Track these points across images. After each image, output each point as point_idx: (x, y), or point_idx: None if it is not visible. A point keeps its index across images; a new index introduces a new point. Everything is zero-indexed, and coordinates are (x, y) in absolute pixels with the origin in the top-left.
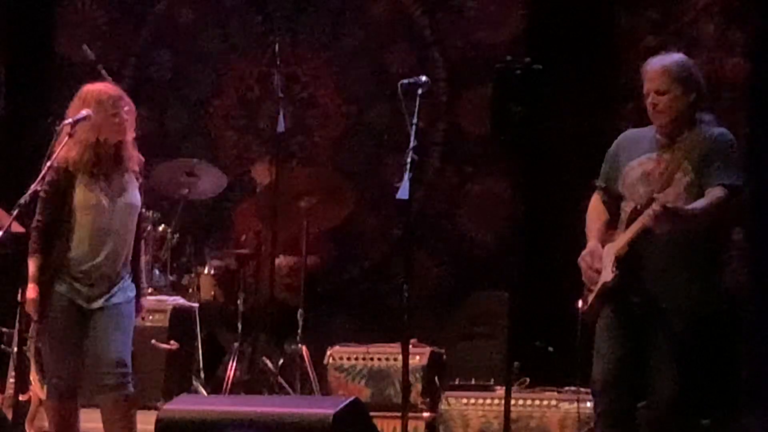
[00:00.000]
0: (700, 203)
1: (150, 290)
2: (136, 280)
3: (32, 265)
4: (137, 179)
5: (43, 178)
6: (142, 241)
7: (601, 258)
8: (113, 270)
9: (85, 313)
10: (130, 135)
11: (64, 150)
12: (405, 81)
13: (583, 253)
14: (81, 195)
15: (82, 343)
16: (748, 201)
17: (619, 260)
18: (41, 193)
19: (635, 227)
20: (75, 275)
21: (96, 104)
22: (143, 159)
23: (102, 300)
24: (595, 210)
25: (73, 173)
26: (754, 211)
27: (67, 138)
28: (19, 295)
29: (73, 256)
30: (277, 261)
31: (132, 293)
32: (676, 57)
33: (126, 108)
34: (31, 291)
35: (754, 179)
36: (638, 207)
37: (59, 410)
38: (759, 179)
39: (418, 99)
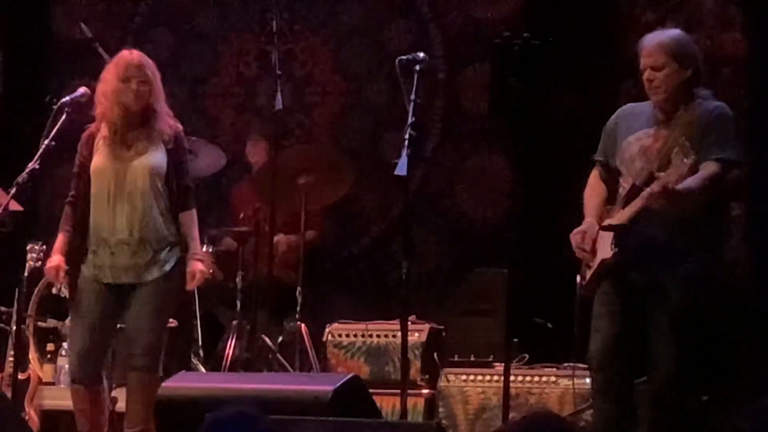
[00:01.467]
0: (693, 180)
1: None
2: (182, 245)
3: (59, 240)
4: (167, 145)
5: (41, 156)
6: (191, 211)
7: (593, 238)
8: (135, 236)
9: (115, 293)
10: (161, 107)
11: (100, 109)
12: (403, 58)
13: (576, 229)
14: (95, 161)
15: (110, 328)
16: (748, 176)
17: (618, 237)
18: (75, 168)
19: (634, 206)
20: (96, 247)
21: (114, 67)
22: (180, 128)
23: (132, 275)
24: (593, 187)
25: (93, 140)
26: (754, 187)
27: (64, 116)
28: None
29: (92, 225)
30: (275, 239)
31: (170, 265)
32: (671, 32)
33: (142, 78)
34: (55, 259)
35: (754, 155)
36: (637, 184)
37: (76, 394)
38: (758, 155)
39: (416, 76)
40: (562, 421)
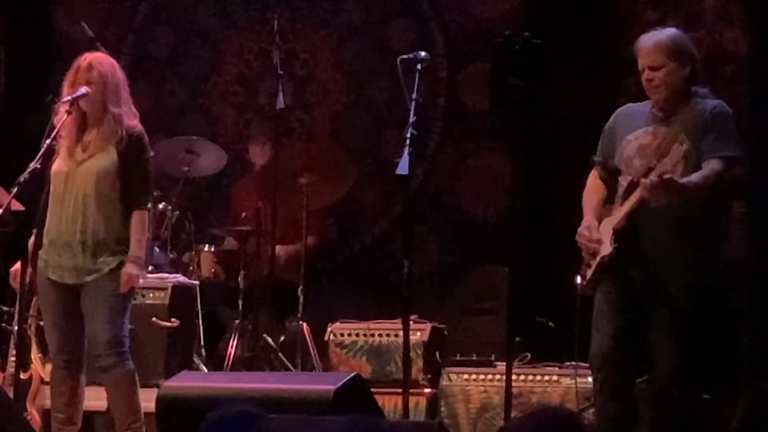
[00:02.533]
0: (696, 176)
1: (150, 267)
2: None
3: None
4: (118, 147)
5: (43, 155)
6: (139, 212)
7: (598, 230)
8: (76, 240)
9: (65, 289)
10: (115, 109)
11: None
12: (404, 56)
13: (580, 228)
14: (55, 163)
15: (69, 318)
16: (748, 174)
17: (617, 234)
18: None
19: (633, 200)
20: (51, 247)
21: (95, 77)
22: (138, 130)
23: (74, 276)
24: (592, 186)
25: (57, 148)
26: (755, 184)
27: (66, 116)
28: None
29: (47, 227)
30: (277, 249)
31: (109, 267)
32: (668, 31)
33: (91, 81)
34: (17, 263)
35: (755, 153)
36: (635, 179)
37: (56, 379)
38: (759, 152)
39: (417, 74)
40: (573, 416)
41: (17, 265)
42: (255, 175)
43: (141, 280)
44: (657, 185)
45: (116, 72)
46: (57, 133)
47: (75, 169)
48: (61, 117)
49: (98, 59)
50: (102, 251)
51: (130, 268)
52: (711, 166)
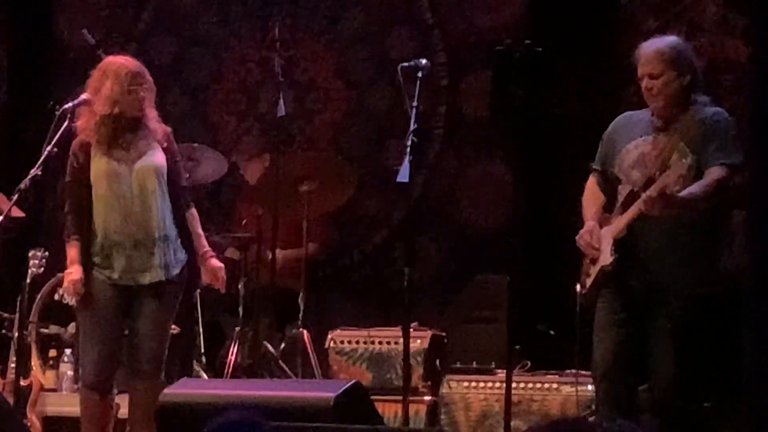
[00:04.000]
0: (697, 186)
1: None
2: (187, 244)
3: (72, 250)
4: (162, 144)
5: (44, 162)
6: (191, 210)
7: (599, 234)
8: (147, 237)
9: (124, 293)
10: (151, 111)
11: (82, 121)
12: (405, 64)
13: (581, 232)
14: (97, 166)
15: (121, 333)
16: (749, 183)
17: (617, 243)
18: (66, 178)
19: (633, 211)
20: (109, 251)
21: (114, 77)
22: (169, 129)
23: (148, 275)
24: (591, 193)
25: (89, 147)
26: (755, 193)
27: (67, 122)
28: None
29: (98, 230)
30: (277, 254)
31: (176, 269)
32: (668, 40)
33: (145, 85)
34: (75, 272)
35: (756, 162)
36: (635, 190)
37: (90, 401)
38: (760, 162)
39: (418, 82)
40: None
41: (78, 274)
42: (256, 183)
43: None
44: (657, 200)
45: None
46: (58, 140)
47: (129, 168)
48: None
49: (141, 66)
50: (170, 249)
51: (215, 261)
52: (712, 174)
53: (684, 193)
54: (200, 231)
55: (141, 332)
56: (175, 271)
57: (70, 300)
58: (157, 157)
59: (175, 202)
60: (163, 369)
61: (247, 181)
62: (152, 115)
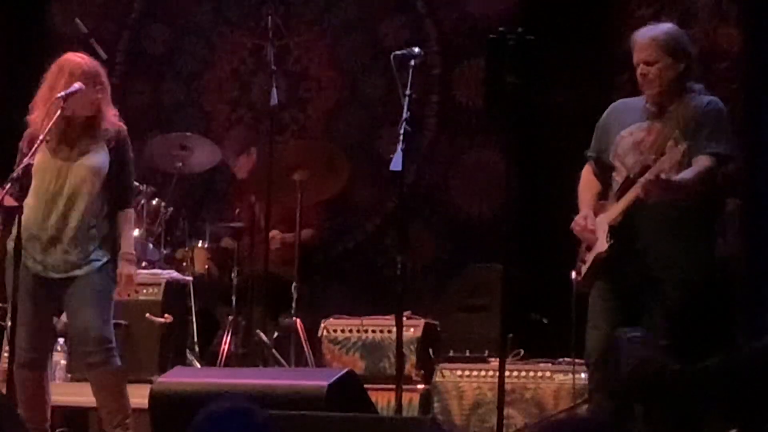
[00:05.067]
0: (688, 173)
1: (144, 264)
2: (115, 244)
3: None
4: (109, 144)
5: (37, 151)
6: (130, 210)
7: (594, 220)
8: (67, 236)
9: (49, 285)
10: (108, 110)
11: (35, 115)
12: (398, 52)
13: (575, 218)
14: (38, 159)
15: (47, 317)
16: (742, 171)
17: (613, 230)
18: (16, 168)
19: (629, 197)
20: (30, 242)
21: (69, 77)
22: (124, 128)
23: (61, 270)
24: (587, 182)
25: (36, 139)
26: (749, 182)
27: (59, 111)
28: None
29: (26, 222)
30: (270, 234)
31: (100, 262)
32: (664, 27)
33: (98, 86)
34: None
35: (749, 150)
36: (631, 176)
37: (25, 380)
38: (753, 150)
39: (411, 70)
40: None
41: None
42: (249, 172)
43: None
44: (653, 184)
45: (102, 72)
46: (48, 129)
47: (67, 166)
48: (54, 113)
49: (94, 63)
50: (92, 247)
51: (127, 268)
52: (702, 162)
53: (676, 177)
54: (128, 233)
55: (75, 326)
56: (86, 270)
57: None
58: (98, 158)
59: (111, 201)
60: (114, 352)
61: (236, 175)
62: (109, 114)
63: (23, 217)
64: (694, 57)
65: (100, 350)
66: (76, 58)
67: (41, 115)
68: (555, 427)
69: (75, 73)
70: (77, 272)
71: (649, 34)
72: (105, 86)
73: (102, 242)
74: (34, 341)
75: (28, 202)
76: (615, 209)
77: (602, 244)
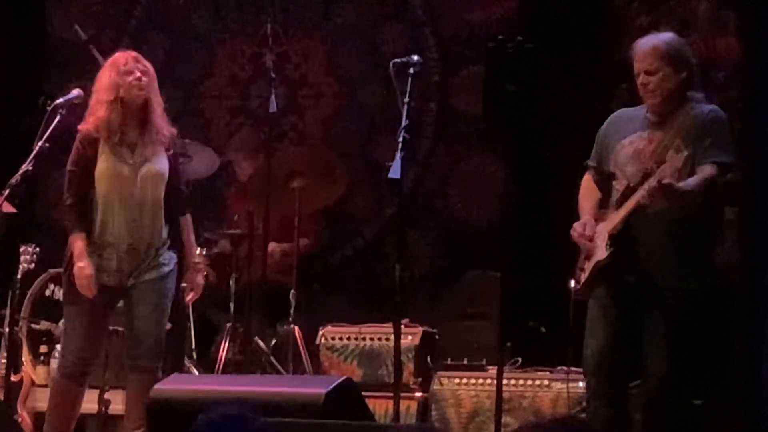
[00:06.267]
0: (692, 181)
1: None
2: (176, 245)
3: (78, 243)
4: (167, 150)
5: (35, 158)
6: (186, 217)
7: (594, 228)
8: (141, 243)
9: (115, 293)
10: (156, 101)
11: (89, 117)
12: (397, 60)
13: (575, 224)
14: (102, 165)
15: (105, 329)
16: (741, 180)
17: (613, 238)
18: (69, 167)
19: (630, 204)
20: (102, 250)
21: (111, 66)
22: (175, 131)
23: (132, 277)
24: (587, 190)
25: (97, 142)
26: (747, 190)
27: (58, 118)
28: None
29: (98, 228)
30: (269, 248)
31: (168, 268)
32: (665, 36)
33: (141, 67)
34: (87, 267)
35: (748, 158)
36: (631, 185)
37: (65, 391)
38: (752, 158)
39: (410, 78)
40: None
41: (89, 270)
42: (248, 179)
43: None
44: (657, 190)
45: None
46: (49, 135)
47: (133, 173)
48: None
49: (135, 54)
50: (162, 252)
51: (197, 277)
52: (705, 172)
53: (679, 185)
54: (192, 240)
55: (136, 328)
56: (156, 274)
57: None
58: (162, 164)
59: (172, 207)
60: (160, 364)
61: (238, 177)
62: (158, 108)
63: (97, 227)
64: (694, 66)
65: (153, 355)
66: (117, 53)
67: (92, 114)
68: (539, 427)
69: (117, 61)
70: (146, 277)
71: (650, 43)
72: (149, 71)
73: (168, 247)
74: (88, 354)
75: (100, 210)
76: (615, 218)
77: (602, 253)
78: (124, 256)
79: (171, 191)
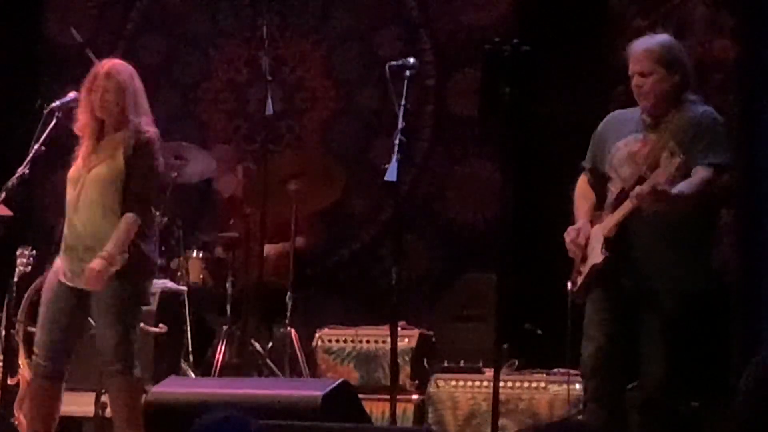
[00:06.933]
0: (686, 184)
1: None
2: (130, 247)
3: None
4: (126, 153)
5: (31, 161)
6: (129, 216)
7: (587, 235)
8: (97, 243)
9: (74, 293)
10: (133, 115)
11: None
12: (393, 63)
13: (569, 229)
14: (71, 169)
15: (74, 324)
16: (737, 182)
17: (608, 241)
18: None
19: (625, 208)
20: (63, 252)
21: (87, 79)
22: (150, 136)
23: (79, 279)
24: (582, 192)
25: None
26: (744, 192)
27: (54, 121)
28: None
29: (63, 231)
30: (265, 250)
31: (115, 268)
32: (659, 38)
33: (106, 88)
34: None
35: (744, 160)
36: (626, 188)
37: (39, 389)
38: (749, 160)
39: (406, 81)
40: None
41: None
42: (244, 182)
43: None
44: (648, 194)
45: (134, 80)
46: (46, 139)
47: (85, 175)
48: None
49: (116, 67)
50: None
51: (95, 262)
52: (699, 174)
53: (674, 189)
54: (117, 235)
55: (99, 335)
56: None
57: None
58: (109, 167)
59: (121, 206)
60: (132, 364)
61: (221, 193)
62: (137, 122)
63: (63, 230)
64: (689, 68)
65: (120, 358)
66: (108, 63)
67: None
68: (538, 431)
69: (89, 75)
70: None
71: (644, 45)
72: (114, 90)
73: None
74: (57, 351)
75: (66, 213)
76: (610, 220)
77: (598, 256)
78: (83, 256)
79: (122, 192)
